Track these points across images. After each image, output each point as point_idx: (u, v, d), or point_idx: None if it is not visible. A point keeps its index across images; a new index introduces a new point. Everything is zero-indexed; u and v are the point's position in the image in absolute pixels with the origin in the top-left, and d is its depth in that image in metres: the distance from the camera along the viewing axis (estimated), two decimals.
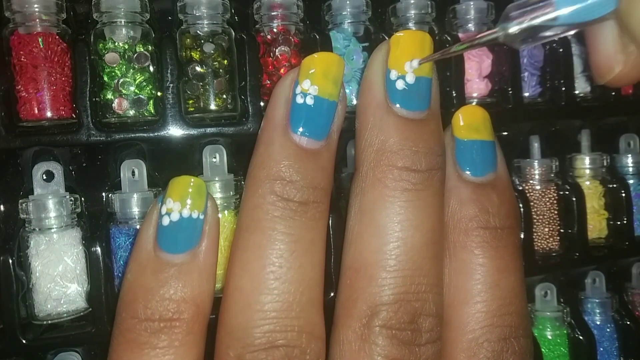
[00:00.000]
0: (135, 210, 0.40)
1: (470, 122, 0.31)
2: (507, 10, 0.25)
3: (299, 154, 0.28)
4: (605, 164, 0.57)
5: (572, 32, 0.25)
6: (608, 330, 0.57)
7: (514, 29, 0.24)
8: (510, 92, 0.50)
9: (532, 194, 0.53)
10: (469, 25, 0.50)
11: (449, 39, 0.49)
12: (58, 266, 0.39)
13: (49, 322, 0.39)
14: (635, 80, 0.25)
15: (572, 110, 0.54)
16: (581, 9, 0.23)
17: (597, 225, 0.56)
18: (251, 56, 0.42)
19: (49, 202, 0.39)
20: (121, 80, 0.40)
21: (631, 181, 0.57)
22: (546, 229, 0.53)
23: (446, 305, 0.29)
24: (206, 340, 0.29)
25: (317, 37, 0.44)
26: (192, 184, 0.29)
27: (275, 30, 0.44)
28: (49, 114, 0.39)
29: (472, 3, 0.50)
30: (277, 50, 0.43)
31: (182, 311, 0.27)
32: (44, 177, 0.40)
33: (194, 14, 0.42)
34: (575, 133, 0.58)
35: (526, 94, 0.52)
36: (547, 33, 0.24)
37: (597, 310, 0.57)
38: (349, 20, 0.47)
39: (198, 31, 0.42)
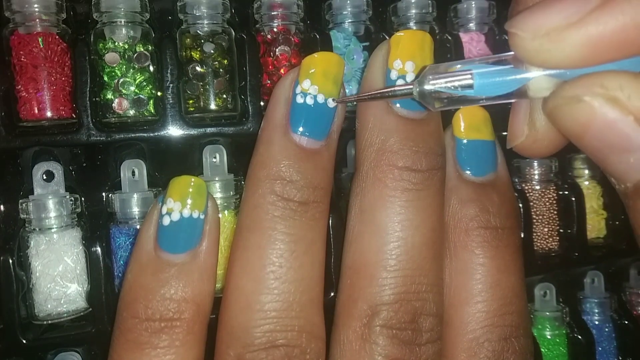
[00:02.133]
0: (136, 210, 0.40)
1: (471, 122, 0.31)
2: (427, 69, 0.26)
3: (299, 153, 0.28)
4: None
5: (486, 103, 0.26)
6: (607, 329, 0.57)
7: (428, 87, 0.25)
8: None
9: (531, 194, 0.53)
10: (471, 24, 0.50)
11: (449, 38, 0.49)
12: (58, 266, 0.39)
13: (49, 322, 0.39)
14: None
15: None
16: (494, 84, 0.24)
17: (596, 225, 0.56)
18: (251, 56, 0.42)
19: (49, 202, 0.39)
20: (121, 80, 0.40)
21: None
22: (545, 229, 0.53)
23: (447, 305, 0.29)
24: (206, 340, 0.29)
25: (318, 36, 0.44)
26: (192, 183, 0.29)
27: (275, 29, 0.44)
28: (49, 114, 0.39)
29: (473, 2, 0.50)
30: (277, 50, 0.43)
31: (182, 311, 0.27)
32: (44, 177, 0.40)
33: (194, 13, 0.42)
34: None
35: None
36: (463, 101, 0.25)
37: (596, 310, 0.57)
38: (350, 20, 0.47)
39: (198, 31, 0.42)
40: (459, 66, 0.25)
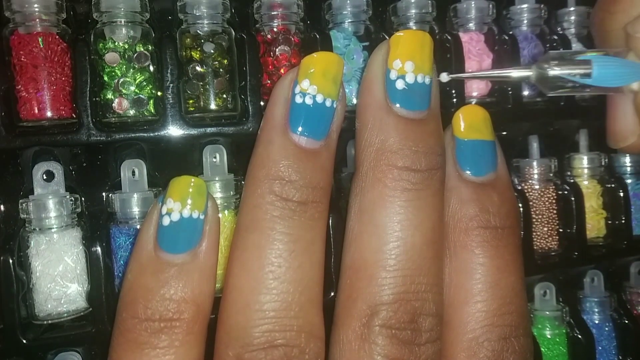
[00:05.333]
0: (136, 210, 0.40)
1: (471, 122, 0.31)
2: (548, 54, 0.27)
3: (298, 153, 0.28)
4: (603, 163, 0.57)
5: (596, 93, 0.28)
6: (606, 329, 0.57)
7: (552, 72, 0.27)
8: (510, 91, 0.50)
9: (531, 193, 0.53)
10: (470, 24, 0.50)
11: (449, 38, 0.49)
12: (58, 266, 0.39)
13: (49, 322, 0.39)
14: None
15: (571, 110, 0.54)
16: (613, 75, 0.26)
17: (595, 224, 0.56)
18: (251, 56, 0.42)
19: (49, 202, 0.39)
20: (121, 80, 0.40)
21: (629, 180, 0.57)
22: (545, 229, 0.53)
23: (446, 305, 0.29)
24: (206, 340, 0.29)
25: (318, 36, 0.44)
26: (192, 183, 0.29)
27: (275, 29, 0.44)
28: (49, 114, 0.39)
29: (473, 2, 0.50)
30: (277, 50, 0.44)
31: (182, 311, 0.27)
32: (44, 177, 0.40)
33: (194, 13, 0.42)
34: (573, 133, 0.58)
35: (525, 94, 0.52)
36: (575, 88, 0.27)
37: (596, 310, 0.57)
38: (350, 20, 0.47)
39: (198, 31, 0.42)
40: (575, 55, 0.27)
